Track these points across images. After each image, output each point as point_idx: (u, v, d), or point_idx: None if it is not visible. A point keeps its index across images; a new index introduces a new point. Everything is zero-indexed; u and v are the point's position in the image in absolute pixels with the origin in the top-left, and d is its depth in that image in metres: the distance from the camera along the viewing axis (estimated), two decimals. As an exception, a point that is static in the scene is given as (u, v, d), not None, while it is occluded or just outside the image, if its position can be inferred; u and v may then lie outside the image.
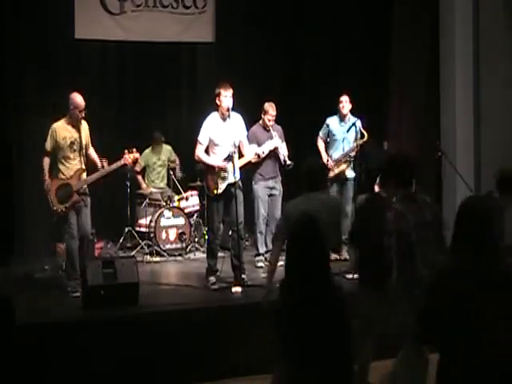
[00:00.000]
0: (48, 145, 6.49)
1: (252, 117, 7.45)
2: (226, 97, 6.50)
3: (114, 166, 6.63)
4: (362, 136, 7.68)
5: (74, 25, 8.67)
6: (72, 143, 6.48)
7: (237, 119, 6.67)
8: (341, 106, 7.82)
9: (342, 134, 7.83)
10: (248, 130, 6.97)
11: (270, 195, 7.65)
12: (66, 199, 6.44)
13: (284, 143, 7.64)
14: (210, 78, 8.43)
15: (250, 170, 7.41)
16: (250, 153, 7.01)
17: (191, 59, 9.54)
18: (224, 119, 6.60)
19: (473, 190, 7.65)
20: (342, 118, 7.87)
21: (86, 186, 6.56)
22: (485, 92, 8.34)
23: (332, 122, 7.94)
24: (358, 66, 9.65)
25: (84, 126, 6.60)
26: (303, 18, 9.60)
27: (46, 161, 6.51)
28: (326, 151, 7.97)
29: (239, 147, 6.73)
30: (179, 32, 9.28)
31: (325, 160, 7.81)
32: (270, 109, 7.54)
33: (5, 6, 8.11)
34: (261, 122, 7.64)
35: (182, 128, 9.32)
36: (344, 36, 9.67)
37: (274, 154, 7.55)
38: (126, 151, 6.69)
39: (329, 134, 7.96)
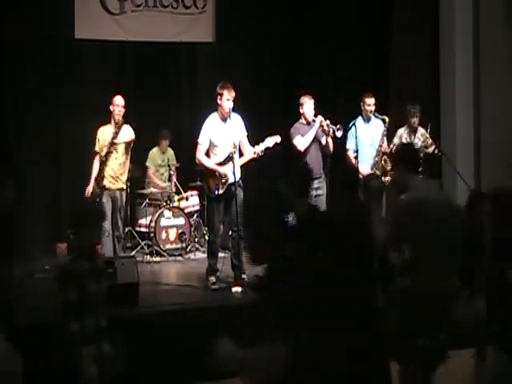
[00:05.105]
0: (96, 147, 7.26)
1: (252, 117, 7.41)
2: (228, 99, 6.49)
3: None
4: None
5: (74, 25, 8.67)
6: (111, 143, 7.20)
7: (237, 120, 6.67)
8: (366, 107, 7.69)
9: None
10: (248, 130, 6.95)
11: (316, 196, 7.24)
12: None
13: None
14: (210, 78, 8.41)
15: (251, 169, 7.38)
16: (250, 152, 6.99)
17: (191, 59, 9.53)
18: (224, 120, 6.59)
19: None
20: (366, 119, 7.75)
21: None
22: (485, 92, 8.35)
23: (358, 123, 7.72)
24: (359, 62, 9.66)
25: (125, 128, 7.24)
26: (303, 18, 9.60)
27: (95, 162, 7.25)
28: None
29: (239, 147, 6.72)
30: (179, 32, 9.28)
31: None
32: (306, 99, 7.46)
33: (5, 6, 8.11)
34: (301, 119, 7.50)
35: (181, 128, 9.30)
36: (344, 34, 9.67)
37: (317, 149, 7.45)
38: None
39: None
